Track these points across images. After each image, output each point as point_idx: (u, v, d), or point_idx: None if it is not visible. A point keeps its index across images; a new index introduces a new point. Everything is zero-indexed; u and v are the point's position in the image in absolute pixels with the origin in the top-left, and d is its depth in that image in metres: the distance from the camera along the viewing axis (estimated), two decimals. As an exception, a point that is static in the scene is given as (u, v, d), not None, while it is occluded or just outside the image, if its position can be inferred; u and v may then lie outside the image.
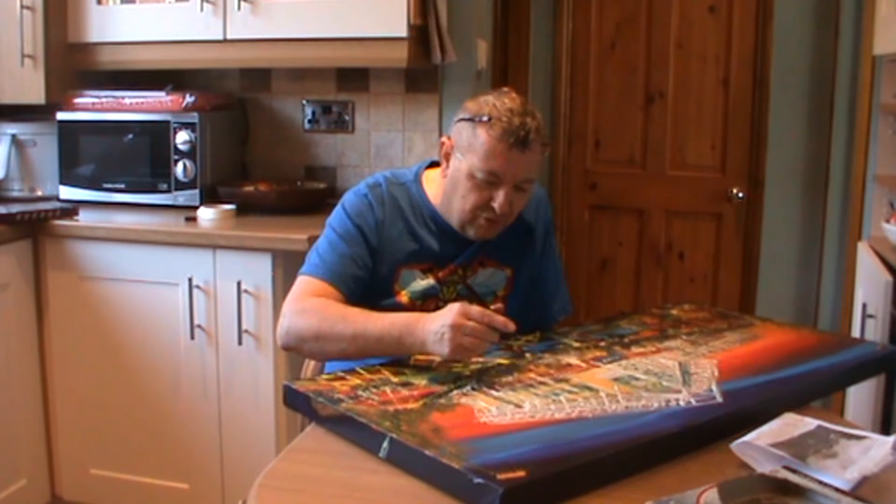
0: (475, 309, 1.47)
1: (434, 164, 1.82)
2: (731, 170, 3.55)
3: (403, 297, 1.74)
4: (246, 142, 3.08)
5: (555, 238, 1.93)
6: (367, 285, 1.72)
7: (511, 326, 1.48)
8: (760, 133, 3.46)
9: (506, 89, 1.68)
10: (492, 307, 1.54)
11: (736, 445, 1.21)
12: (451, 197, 1.69)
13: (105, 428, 2.63)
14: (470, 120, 1.63)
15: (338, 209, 1.78)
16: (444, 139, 1.71)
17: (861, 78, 3.10)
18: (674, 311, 1.89)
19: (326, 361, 1.77)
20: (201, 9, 2.69)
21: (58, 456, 2.68)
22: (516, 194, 1.65)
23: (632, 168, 3.70)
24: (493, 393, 1.37)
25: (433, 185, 1.77)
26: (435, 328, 1.47)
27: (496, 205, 1.63)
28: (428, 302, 1.74)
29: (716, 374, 1.47)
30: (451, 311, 1.46)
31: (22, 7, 2.72)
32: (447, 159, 1.70)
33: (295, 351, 1.65)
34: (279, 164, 3.06)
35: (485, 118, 1.60)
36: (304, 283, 1.69)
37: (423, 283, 1.74)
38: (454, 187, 1.67)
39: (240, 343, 2.46)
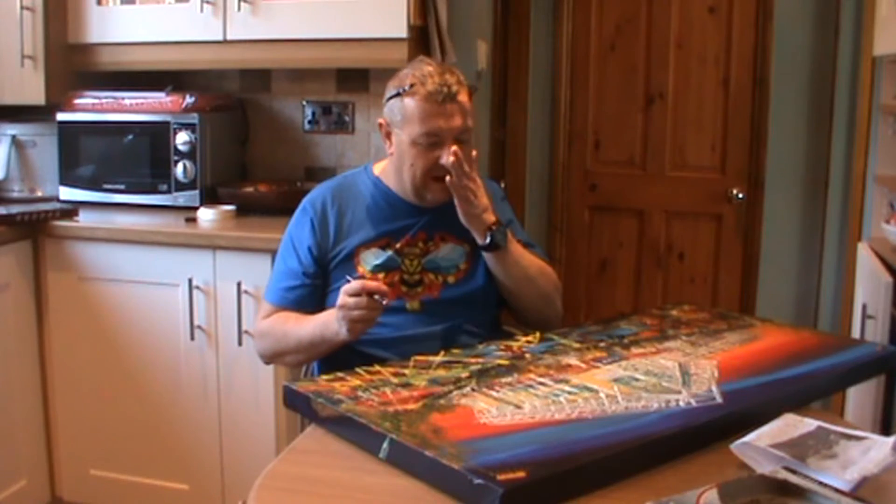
0: (352, 284, 1.59)
1: None
2: (731, 170, 3.55)
3: (365, 273, 1.79)
4: (246, 142, 3.08)
5: (517, 224, 1.99)
6: (313, 280, 1.81)
7: (384, 289, 1.58)
8: (760, 133, 3.46)
9: (420, 58, 1.79)
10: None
11: (736, 446, 1.21)
12: (401, 169, 1.77)
13: (105, 429, 2.63)
14: (396, 95, 1.73)
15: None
16: (380, 121, 1.81)
17: (861, 78, 3.10)
18: (674, 312, 1.89)
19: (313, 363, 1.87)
20: (201, 10, 2.69)
21: (58, 456, 2.68)
22: (460, 147, 1.71)
23: (632, 169, 3.70)
24: (493, 394, 1.37)
25: (384, 170, 1.87)
26: (337, 322, 1.62)
27: (445, 162, 1.70)
28: (391, 275, 1.78)
29: (716, 374, 1.47)
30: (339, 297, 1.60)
31: (22, 8, 2.72)
32: (388, 138, 1.80)
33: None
34: (279, 165, 3.06)
35: (407, 87, 1.71)
36: (262, 306, 1.91)
37: (382, 255, 1.80)
38: (401, 160, 1.76)
39: (240, 344, 2.46)
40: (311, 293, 1.82)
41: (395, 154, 1.78)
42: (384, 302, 1.58)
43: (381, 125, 1.81)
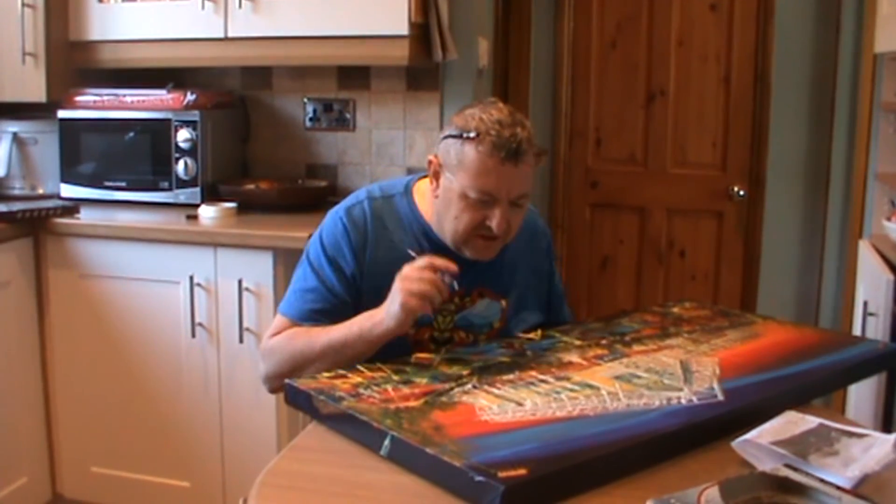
0: (418, 260, 1.50)
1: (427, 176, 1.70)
2: (732, 168, 3.55)
3: None
4: (247, 140, 3.08)
5: (556, 264, 1.90)
6: (347, 309, 1.63)
7: (452, 267, 1.49)
8: (761, 131, 3.46)
9: (492, 100, 1.60)
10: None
11: (737, 443, 1.21)
12: (443, 217, 1.60)
13: (106, 426, 2.64)
14: (457, 136, 1.53)
15: (315, 239, 1.71)
16: (431, 157, 1.62)
17: (862, 76, 3.10)
18: (675, 309, 1.89)
19: None
20: (202, 7, 2.69)
21: (59, 454, 2.68)
22: (513, 211, 1.56)
23: (633, 166, 3.70)
24: (495, 391, 1.37)
25: (425, 200, 1.68)
26: (390, 298, 1.50)
27: (493, 224, 1.54)
28: (421, 331, 1.65)
29: (717, 372, 1.47)
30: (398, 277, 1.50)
31: (23, 5, 2.72)
32: (437, 178, 1.60)
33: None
34: (280, 162, 3.06)
35: (472, 133, 1.51)
36: (275, 321, 1.70)
37: None
38: (446, 207, 1.58)
39: (241, 341, 2.46)
40: (342, 313, 1.62)
41: (441, 199, 1.59)
42: (448, 281, 1.46)
43: (430, 162, 1.61)
